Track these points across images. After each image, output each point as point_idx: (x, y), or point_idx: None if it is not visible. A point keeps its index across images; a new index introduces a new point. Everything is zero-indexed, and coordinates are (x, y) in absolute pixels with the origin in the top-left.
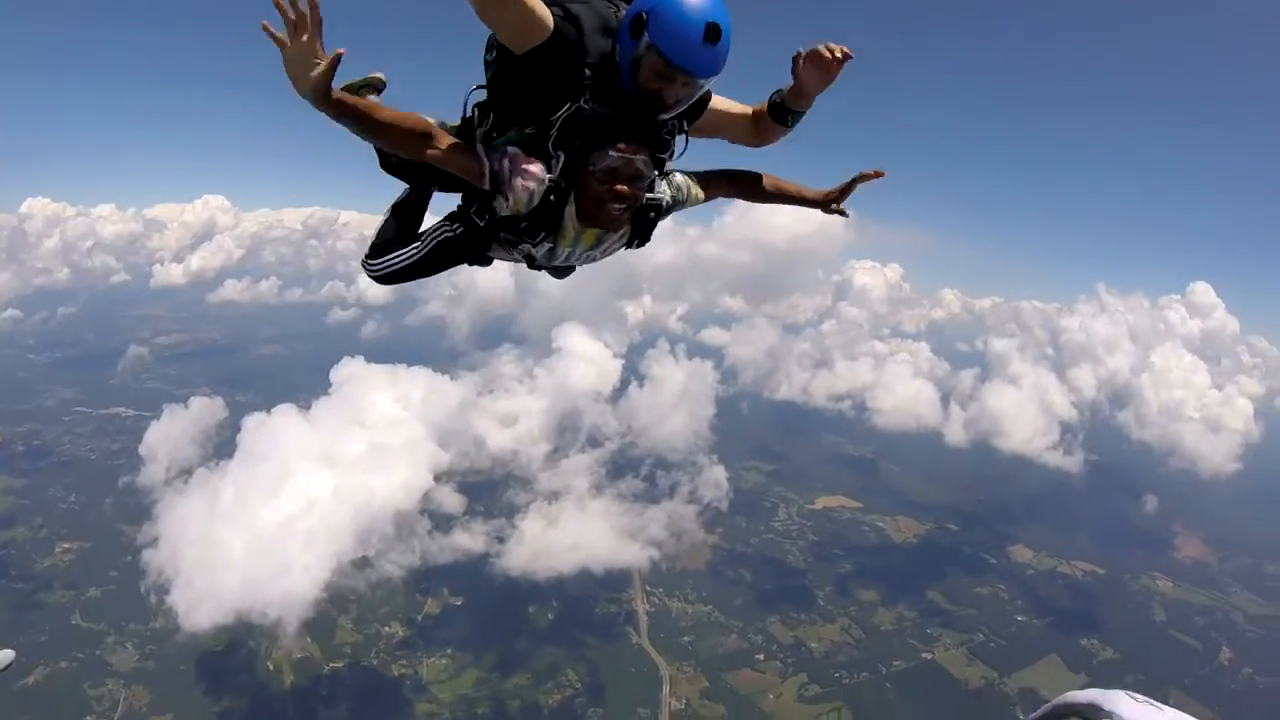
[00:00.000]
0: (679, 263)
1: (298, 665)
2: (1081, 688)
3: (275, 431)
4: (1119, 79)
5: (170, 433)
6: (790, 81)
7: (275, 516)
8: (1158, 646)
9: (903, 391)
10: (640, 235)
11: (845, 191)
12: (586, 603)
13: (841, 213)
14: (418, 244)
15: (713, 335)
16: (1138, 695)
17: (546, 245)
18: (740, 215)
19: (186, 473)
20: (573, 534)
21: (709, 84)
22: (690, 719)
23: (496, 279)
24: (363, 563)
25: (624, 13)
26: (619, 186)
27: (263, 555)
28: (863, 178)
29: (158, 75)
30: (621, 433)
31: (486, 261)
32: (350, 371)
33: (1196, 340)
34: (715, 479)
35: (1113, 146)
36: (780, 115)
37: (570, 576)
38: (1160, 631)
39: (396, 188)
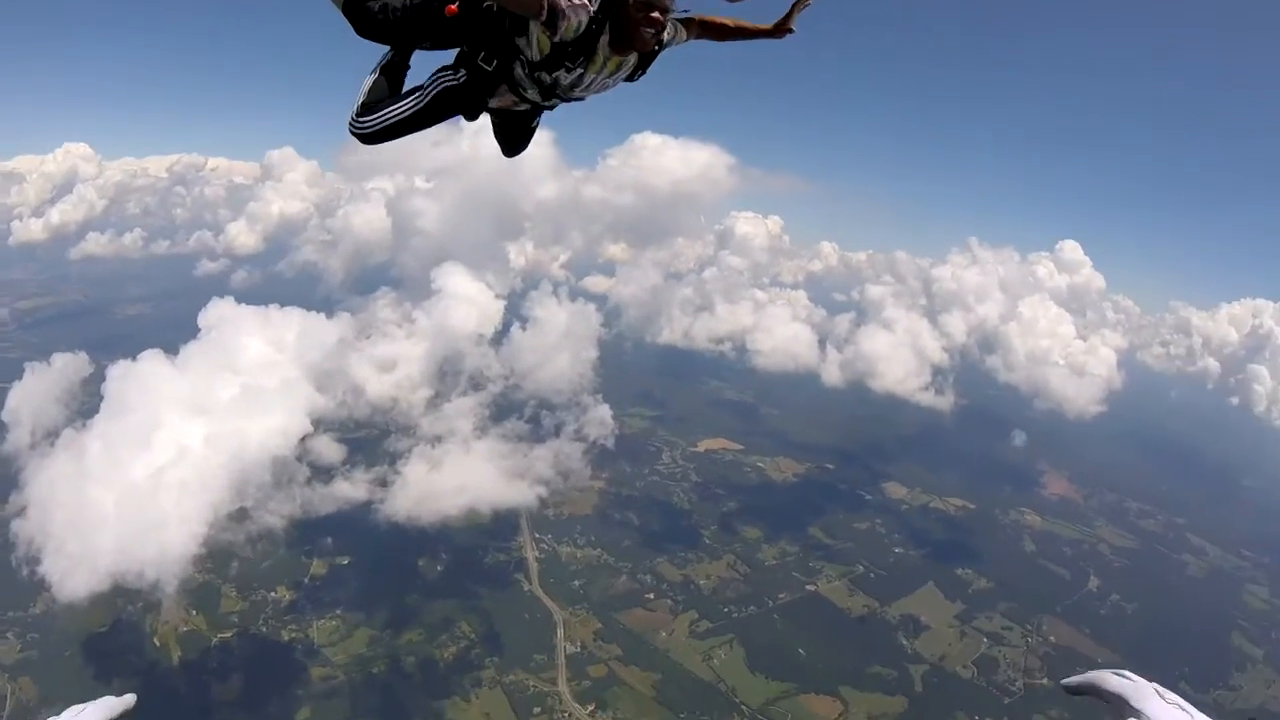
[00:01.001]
0: (562, 202)
1: (184, 639)
2: (958, 615)
3: (142, 380)
4: (992, 36)
5: (33, 394)
6: None
7: (146, 470)
8: (1029, 576)
9: (781, 334)
10: (643, 67)
11: (789, 18)
12: (476, 553)
13: (790, 30)
14: (416, 95)
15: (595, 283)
16: (1166, 693)
17: (579, 71)
18: (625, 158)
19: (53, 435)
20: (458, 476)
21: None
22: (586, 661)
23: (373, 221)
24: (241, 515)
25: None
26: (654, 14)
27: (135, 512)
28: (800, 3)
29: (12, 15)
30: (505, 375)
31: (477, 114)
32: (220, 314)
33: (1064, 294)
34: (600, 417)
35: (989, 103)
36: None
37: (458, 528)
38: (1031, 562)
39: (260, 132)
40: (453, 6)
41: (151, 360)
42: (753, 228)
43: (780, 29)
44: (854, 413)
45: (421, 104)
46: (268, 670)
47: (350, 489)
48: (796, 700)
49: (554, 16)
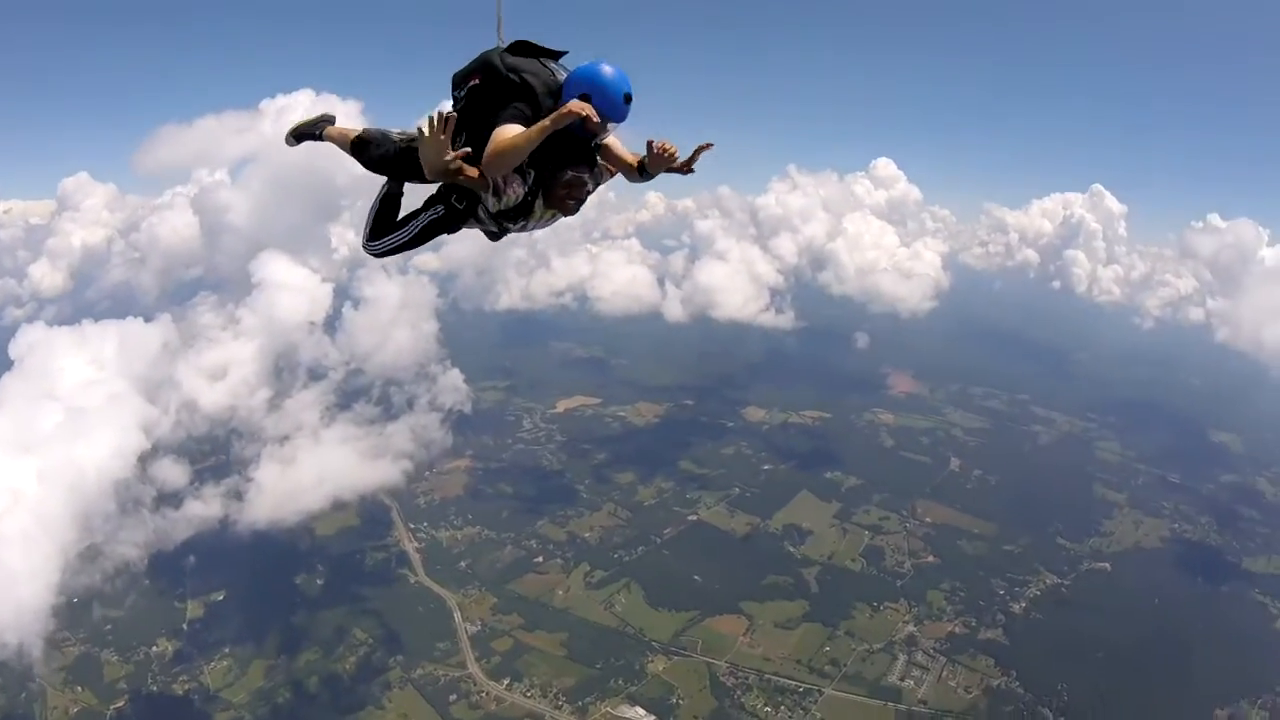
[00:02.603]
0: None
1: None
2: (837, 515)
3: None
4: None
5: None
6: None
7: None
8: (894, 467)
9: (620, 278)
10: (574, 210)
11: (691, 159)
12: (353, 557)
13: (690, 170)
14: (408, 227)
15: (425, 261)
16: None
17: (521, 221)
18: None
19: None
20: (314, 469)
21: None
22: (490, 638)
23: (180, 228)
24: (92, 553)
25: (556, 74)
26: (575, 190)
27: None
28: (702, 148)
29: None
30: (344, 361)
31: (457, 230)
32: (30, 340)
33: (884, 208)
34: (453, 383)
35: (790, 28)
36: (643, 172)
37: (330, 535)
38: (892, 455)
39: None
40: None
41: None
42: None
43: (683, 167)
44: (702, 348)
45: (412, 234)
46: None
47: (203, 508)
48: (704, 626)
49: (497, 192)
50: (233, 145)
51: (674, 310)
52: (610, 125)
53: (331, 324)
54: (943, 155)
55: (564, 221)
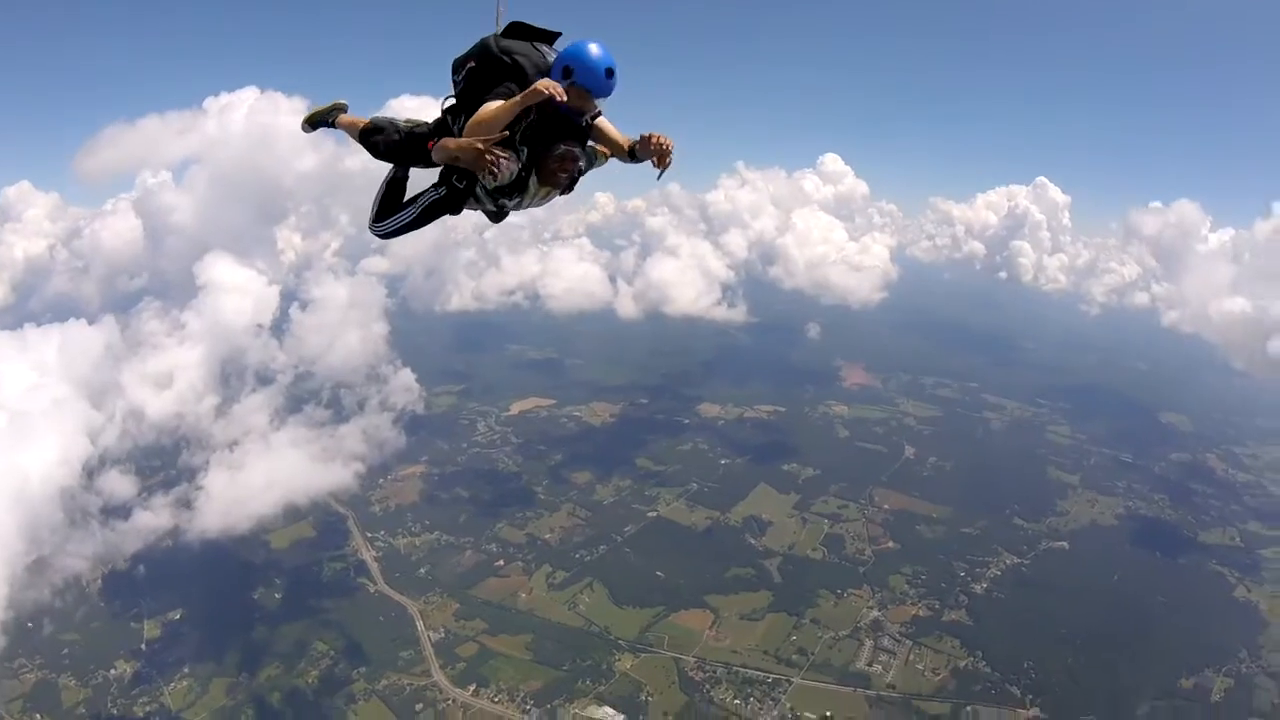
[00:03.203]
0: (325, 174)
1: None
2: (795, 506)
3: None
4: None
5: None
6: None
7: None
8: (850, 457)
9: (571, 274)
10: (569, 188)
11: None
12: (311, 569)
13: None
14: (411, 207)
15: (374, 263)
16: None
17: (517, 198)
18: None
19: None
20: (264, 473)
21: (604, 102)
22: (454, 644)
23: (124, 233)
24: (40, 565)
25: (546, 55)
26: (567, 164)
27: None
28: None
29: None
30: (293, 365)
31: (459, 211)
32: None
33: (832, 204)
34: (405, 383)
35: (739, 32)
36: (633, 155)
37: (285, 548)
38: (848, 445)
39: None
40: (432, 143)
41: None
42: None
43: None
44: (655, 345)
45: (416, 213)
46: None
47: (153, 518)
48: (669, 621)
49: (493, 171)
50: (177, 146)
51: (626, 307)
52: (598, 101)
53: (279, 327)
54: (889, 151)
55: (513, 221)
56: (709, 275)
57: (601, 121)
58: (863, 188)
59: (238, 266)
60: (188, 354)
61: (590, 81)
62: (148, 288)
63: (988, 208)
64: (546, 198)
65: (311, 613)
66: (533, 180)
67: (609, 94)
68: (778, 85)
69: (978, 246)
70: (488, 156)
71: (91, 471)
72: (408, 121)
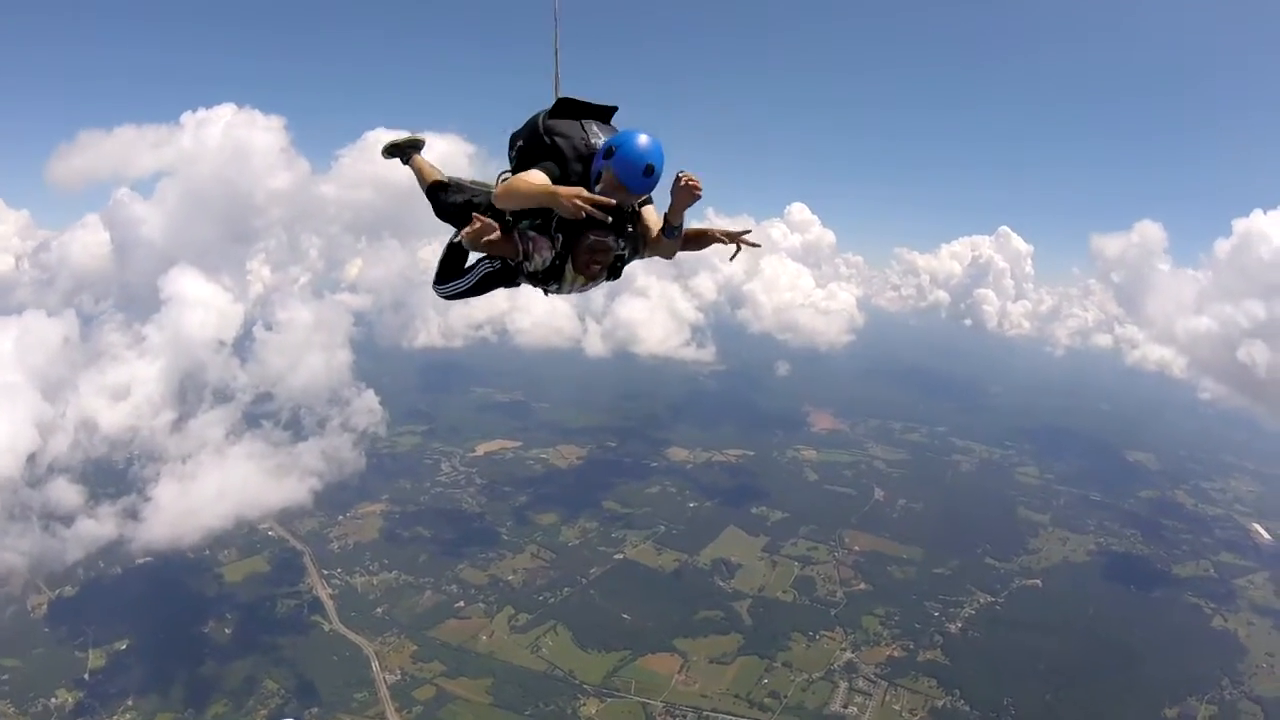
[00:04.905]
0: (296, 196)
1: None
2: (765, 548)
3: None
4: (707, 10)
5: None
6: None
7: None
8: (819, 500)
9: (539, 310)
10: (613, 275)
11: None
12: (264, 604)
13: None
14: (469, 275)
15: (342, 299)
16: None
17: (555, 285)
18: (358, 155)
19: None
20: (216, 485)
21: (643, 197)
22: (411, 686)
23: (92, 246)
24: None
25: (591, 137)
26: (598, 255)
27: None
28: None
29: None
30: (254, 384)
31: (516, 285)
32: None
33: (799, 252)
34: (367, 405)
35: (710, 76)
36: (666, 229)
37: (239, 582)
38: (817, 489)
39: None
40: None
41: None
42: None
43: (735, 238)
44: (623, 388)
45: (473, 283)
46: None
47: (96, 526)
48: (635, 666)
49: (527, 255)
50: (151, 157)
51: (595, 345)
52: (627, 192)
53: (242, 345)
54: (854, 202)
55: None
56: (678, 316)
57: (645, 210)
58: (830, 236)
59: (203, 281)
60: (147, 367)
61: (628, 177)
62: (109, 295)
63: (952, 257)
64: (586, 286)
65: (263, 649)
66: (568, 269)
67: (645, 193)
68: (747, 134)
69: (943, 295)
70: (475, 225)
71: (36, 466)
72: (474, 184)
